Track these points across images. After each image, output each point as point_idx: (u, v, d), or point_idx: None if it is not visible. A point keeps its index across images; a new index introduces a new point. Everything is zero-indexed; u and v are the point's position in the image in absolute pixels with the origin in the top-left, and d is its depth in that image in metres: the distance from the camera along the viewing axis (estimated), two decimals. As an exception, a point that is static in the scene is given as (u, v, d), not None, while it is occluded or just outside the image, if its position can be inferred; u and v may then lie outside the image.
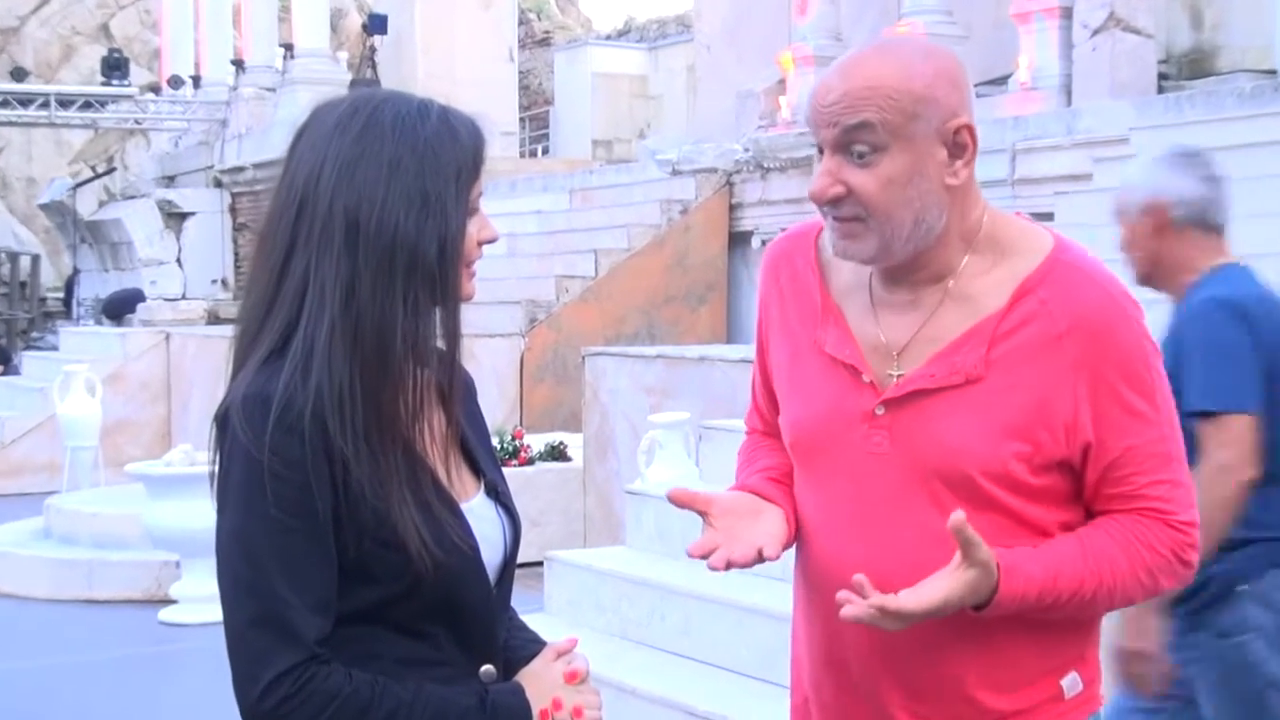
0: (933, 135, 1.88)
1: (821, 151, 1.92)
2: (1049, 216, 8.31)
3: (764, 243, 12.48)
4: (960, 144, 1.91)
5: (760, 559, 1.92)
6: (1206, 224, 3.27)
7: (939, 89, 1.89)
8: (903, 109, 1.87)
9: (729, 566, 1.91)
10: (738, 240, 12.74)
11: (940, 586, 1.80)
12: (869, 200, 1.88)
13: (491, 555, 1.83)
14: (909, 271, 1.94)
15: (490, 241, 1.84)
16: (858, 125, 1.87)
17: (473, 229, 1.81)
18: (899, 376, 1.93)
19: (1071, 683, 1.96)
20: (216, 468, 1.75)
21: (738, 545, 1.91)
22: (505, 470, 1.98)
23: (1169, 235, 3.25)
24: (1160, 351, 1.94)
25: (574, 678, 1.84)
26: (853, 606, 1.80)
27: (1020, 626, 1.91)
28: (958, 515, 1.79)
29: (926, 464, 1.89)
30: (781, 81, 13.86)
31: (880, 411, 1.92)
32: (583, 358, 8.31)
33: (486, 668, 1.82)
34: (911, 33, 11.78)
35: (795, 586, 2.10)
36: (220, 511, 1.74)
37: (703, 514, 1.95)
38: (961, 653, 1.91)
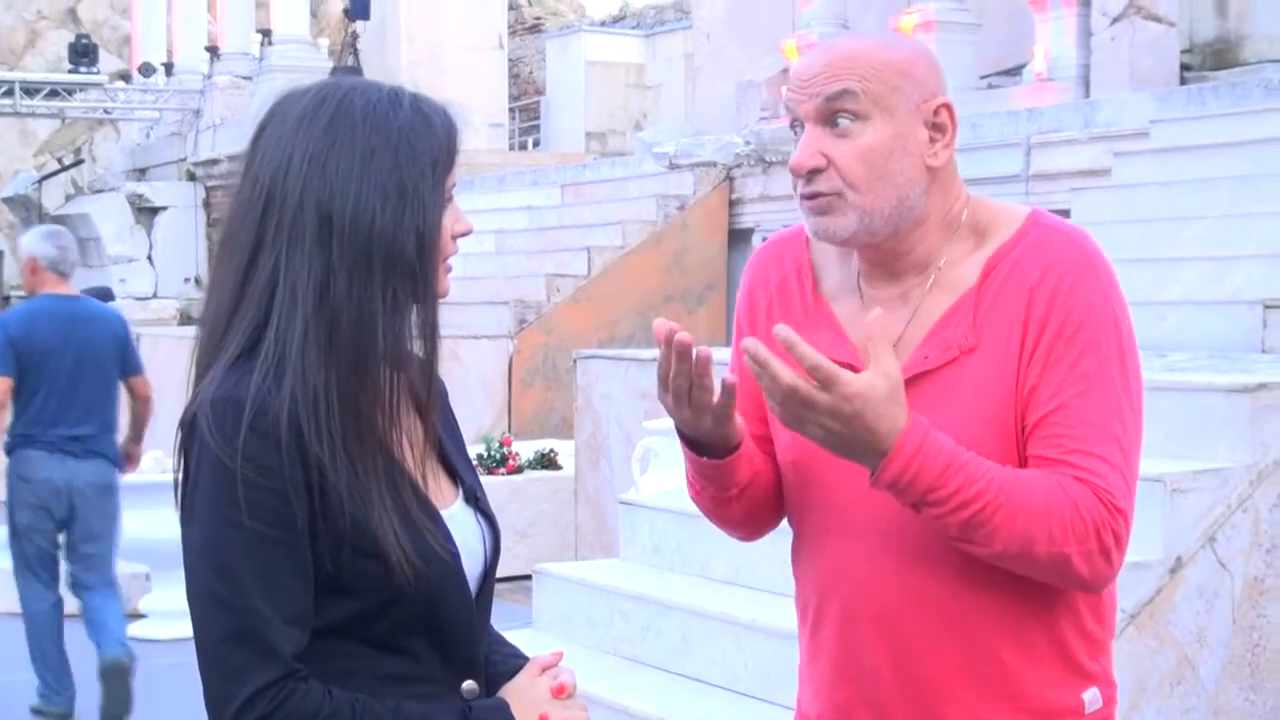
0: (914, 111, 1.94)
1: (798, 132, 1.98)
2: (1065, 214, 8.31)
3: (765, 240, 12.50)
4: (940, 125, 1.97)
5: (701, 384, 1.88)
6: (58, 271, 6.08)
7: (919, 67, 1.97)
8: (884, 79, 1.93)
9: (677, 340, 1.86)
10: (738, 238, 12.75)
11: (863, 380, 1.78)
12: (849, 171, 1.92)
13: (472, 565, 1.83)
14: (893, 260, 1.99)
15: (464, 234, 1.84)
16: (840, 93, 1.93)
17: (447, 222, 1.80)
18: None
19: (1092, 698, 1.98)
20: (181, 475, 1.74)
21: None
22: (493, 479, 1.98)
23: (38, 275, 6.12)
24: (1129, 325, 1.92)
25: (561, 692, 1.84)
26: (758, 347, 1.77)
27: (1044, 635, 1.93)
28: (875, 313, 1.82)
29: None
30: (785, 71, 13.87)
31: None
32: (574, 361, 8.31)
33: (469, 683, 1.81)
34: (920, 20, 11.82)
35: (799, 606, 2.10)
36: (188, 522, 1.73)
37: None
38: (983, 661, 1.93)
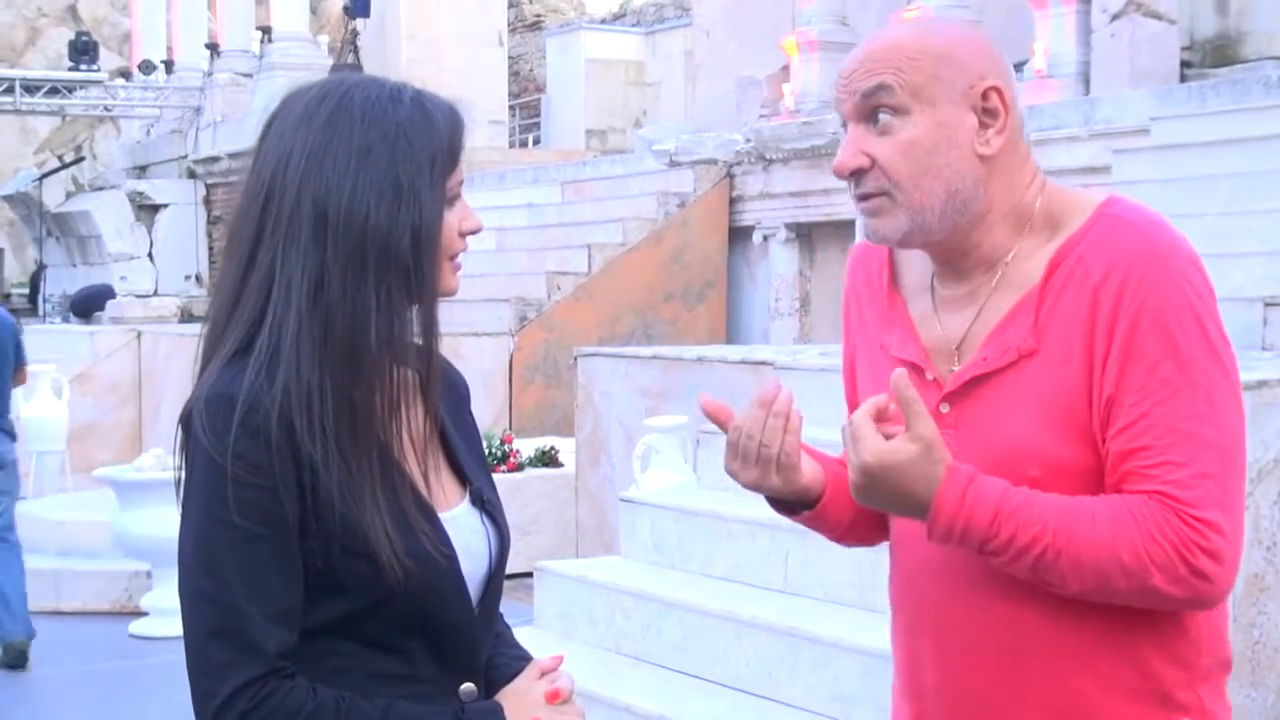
0: (958, 98, 1.85)
1: (844, 126, 1.92)
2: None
3: (765, 238, 12.49)
4: (991, 109, 1.86)
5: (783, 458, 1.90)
6: None
7: (962, 51, 1.87)
8: (921, 68, 1.85)
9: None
10: (738, 235, 12.75)
11: (883, 447, 1.76)
12: (892, 168, 1.85)
13: (474, 567, 1.83)
14: (959, 258, 1.91)
15: (474, 232, 1.83)
16: (875, 88, 1.86)
17: (453, 219, 1.80)
18: (957, 370, 1.91)
19: None
20: (181, 473, 1.75)
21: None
22: (494, 476, 1.98)
23: None
24: (1214, 314, 1.80)
25: (555, 697, 1.83)
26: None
27: (1122, 662, 1.83)
28: (899, 373, 1.76)
29: (993, 458, 1.82)
30: (785, 68, 13.87)
31: (945, 409, 1.89)
32: (575, 358, 8.31)
33: (467, 685, 1.81)
34: (925, 15, 11.80)
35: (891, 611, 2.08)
36: (183, 519, 1.73)
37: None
38: (1046, 689, 1.85)
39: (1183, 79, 10.73)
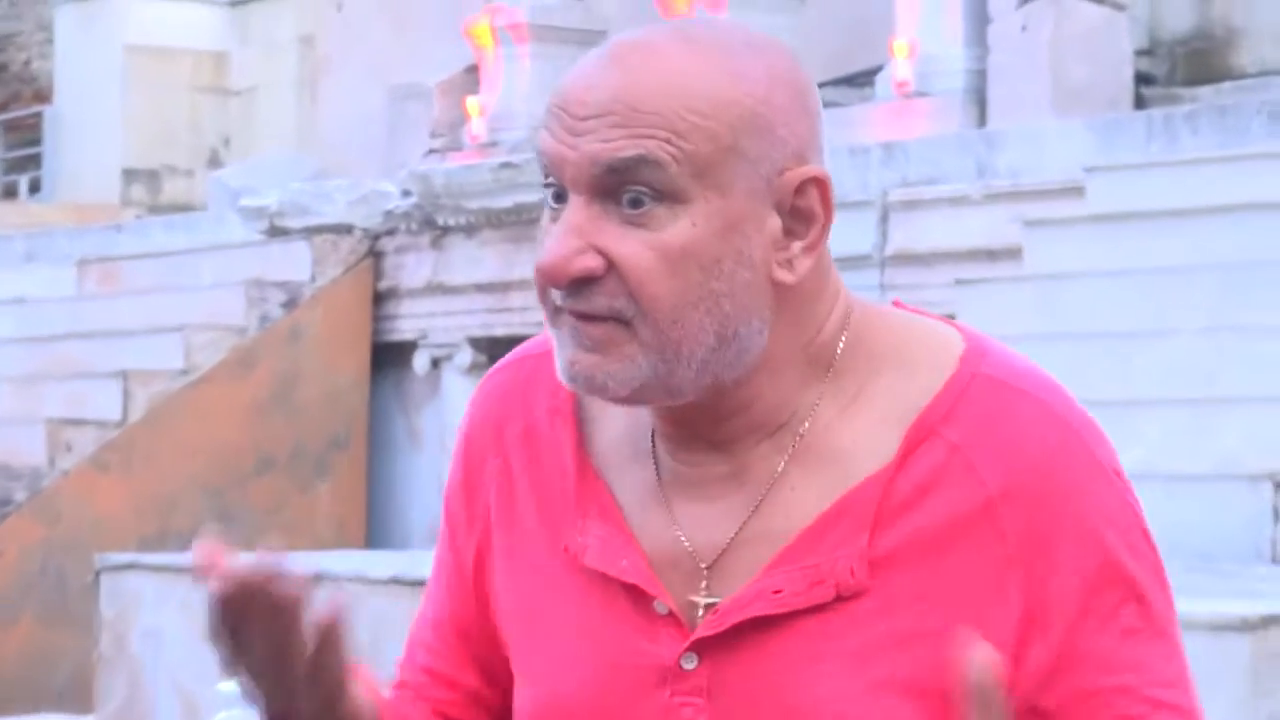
0: (761, 188, 1.87)
1: (559, 194, 1.89)
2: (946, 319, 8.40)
3: (436, 362, 12.53)
4: (805, 211, 1.90)
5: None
6: None
7: (777, 108, 1.90)
8: (714, 134, 1.85)
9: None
10: (389, 356, 12.78)
11: None
12: (644, 284, 1.84)
13: None
14: (714, 422, 1.93)
15: None
16: (634, 161, 1.84)
17: None
18: (712, 604, 1.91)
19: None
20: None
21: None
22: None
23: None
24: (1141, 508, 1.96)
25: None
26: None
27: None
28: (983, 651, 1.70)
29: None
30: (472, 70, 14.03)
31: (690, 664, 1.91)
32: (97, 573, 8.20)
33: None
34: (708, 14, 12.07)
35: None
36: None
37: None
38: None
39: (1139, 103, 11.09)
